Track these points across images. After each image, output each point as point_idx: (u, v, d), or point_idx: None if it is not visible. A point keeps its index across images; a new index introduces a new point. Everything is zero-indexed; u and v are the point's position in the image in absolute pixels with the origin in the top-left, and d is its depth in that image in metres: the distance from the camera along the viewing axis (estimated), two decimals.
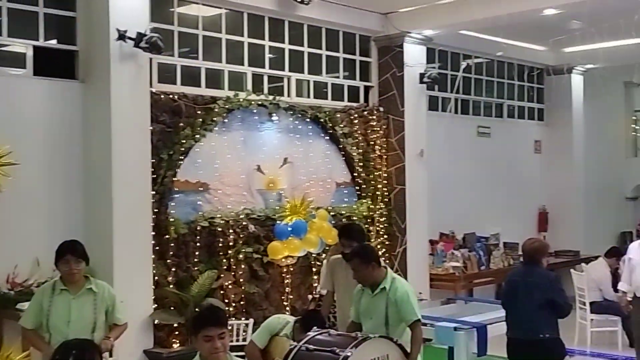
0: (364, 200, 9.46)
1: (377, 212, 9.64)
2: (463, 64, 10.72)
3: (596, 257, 10.03)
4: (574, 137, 12.92)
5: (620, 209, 14.04)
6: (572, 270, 9.78)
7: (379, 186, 9.72)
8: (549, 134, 13.05)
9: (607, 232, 13.32)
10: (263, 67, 8.71)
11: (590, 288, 9.28)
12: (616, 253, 9.47)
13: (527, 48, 11.55)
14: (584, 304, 9.23)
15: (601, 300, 9.25)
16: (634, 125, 14.73)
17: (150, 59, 7.28)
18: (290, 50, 8.97)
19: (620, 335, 9.00)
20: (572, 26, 9.48)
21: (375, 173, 9.69)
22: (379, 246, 9.42)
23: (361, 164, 9.50)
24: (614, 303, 8.78)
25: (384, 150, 9.84)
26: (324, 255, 8.34)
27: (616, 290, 8.38)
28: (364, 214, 9.37)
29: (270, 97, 8.48)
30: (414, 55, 9.83)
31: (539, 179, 12.81)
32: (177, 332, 7.30)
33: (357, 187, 9.51)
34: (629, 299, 7.76)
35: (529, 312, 5.91)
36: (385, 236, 9.75)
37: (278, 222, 8.22)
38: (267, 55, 8.74)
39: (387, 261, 9.43)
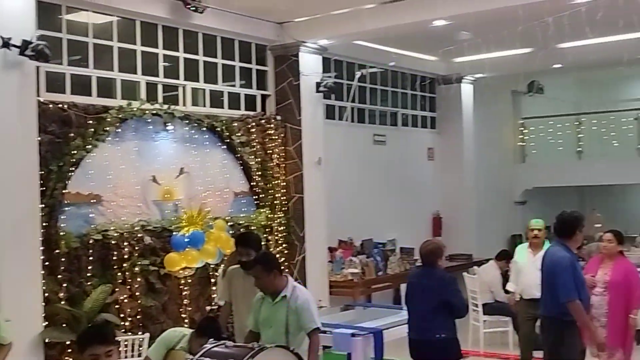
0: (262, 210, 9.44)
1: (276, 221, 9.64)
2: (358, 74, 10.87)
3: (487, 260, 10.37)
4: (464, 144, 13.39)
5: (510, 212, 14.61)
6: (465, 273, 10.11)
7: (278, 195, 9.72)
8: (441, 142, 13.46)
9: (498, 235, 13.84)
10: (157, 75, 8.56)
11: (482, 290, 9.59)
12: (506, 255, 9.82)
13: (418, 58, 11.85)
14: (477, 305, 9.54)
15: (492, 302, 9.57)
16: (522, 129, 15.38)
17: (38, 68, 7.01)
18: (185, 58, 8.85)
19: (511, 335, 9.32)
20: (461, 37, 9.77)
21: (274, 182, 9.68)
22: (278, 255, 9.40)
23: (259, 173, 9.47)
24: (504, 304, 9.13)
25: (282, 159, 9.85)
26: (222, 265, 8.26)
27: (506, 292, 8.73)
28: (263, 223, 9.35)
29: (165, 107, 8.33)
30: (310, 65, 9.92)
31: (432, 185, 13.18)
32: (69, 350, 7.04)
33: (256, 197, 9.48)
34: (517, 298, 8.11)
35: (424, 313, 6.06)
36: (284, 245, 9.75)
37: (175, 233, 8.08)
38: (161, 64, 8.60)
39: (287, 270, 9.43)
